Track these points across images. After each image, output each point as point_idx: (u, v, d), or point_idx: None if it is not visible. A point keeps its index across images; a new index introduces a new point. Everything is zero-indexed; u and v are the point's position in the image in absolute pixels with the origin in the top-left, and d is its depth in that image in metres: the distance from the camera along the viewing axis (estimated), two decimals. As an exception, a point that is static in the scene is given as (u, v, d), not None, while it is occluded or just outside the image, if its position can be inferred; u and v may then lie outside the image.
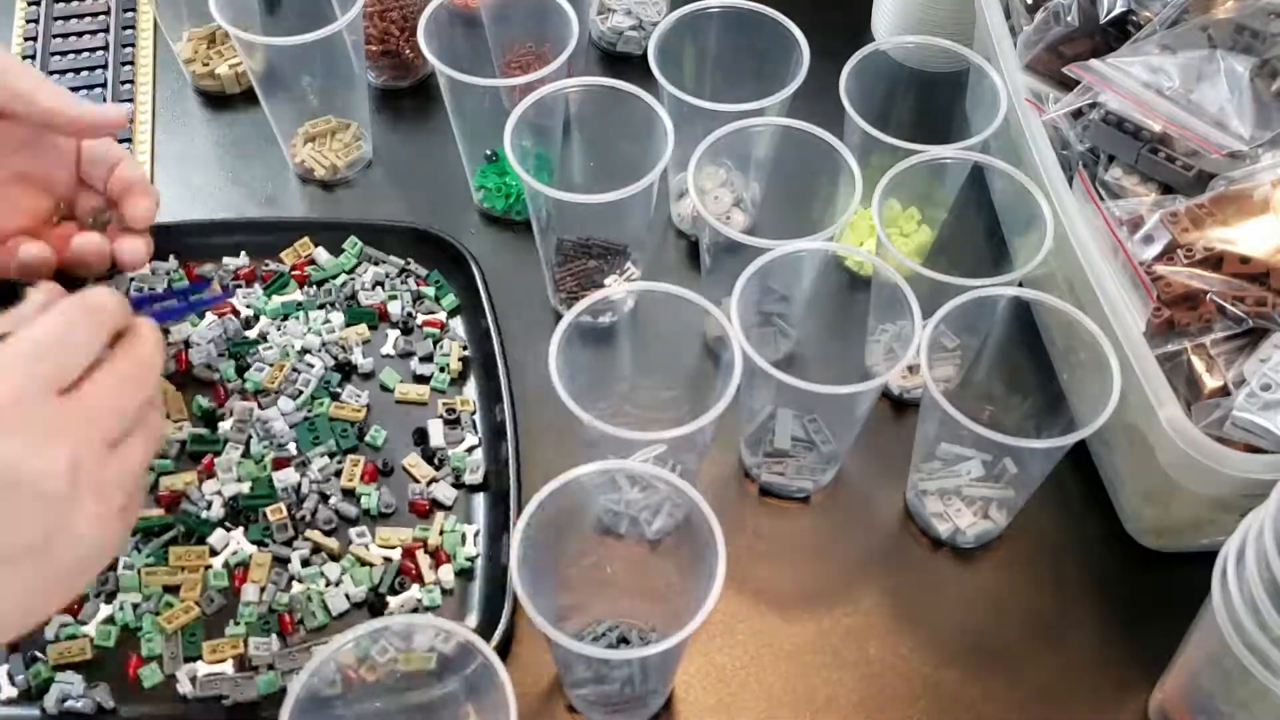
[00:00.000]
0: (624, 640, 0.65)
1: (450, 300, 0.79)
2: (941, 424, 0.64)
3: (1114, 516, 0.72)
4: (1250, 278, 0.64)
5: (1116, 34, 0.75)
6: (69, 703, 0.62)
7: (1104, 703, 0.66)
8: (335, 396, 0.74)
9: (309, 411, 0.74)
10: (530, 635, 0.66)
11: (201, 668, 0.64)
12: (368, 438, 0.73)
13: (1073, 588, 0.70)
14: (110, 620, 0.65)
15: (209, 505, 0.69)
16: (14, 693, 0.63)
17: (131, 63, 0.95)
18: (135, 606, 0.66)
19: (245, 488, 0.70)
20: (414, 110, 0.93)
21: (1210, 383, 0.63)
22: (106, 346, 0.52)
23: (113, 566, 0.67)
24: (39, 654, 0.64)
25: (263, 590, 0.66)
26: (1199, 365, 0.63)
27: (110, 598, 0.66)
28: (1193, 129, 0.69)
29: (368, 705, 0.59)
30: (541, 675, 0.65)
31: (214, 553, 0.68)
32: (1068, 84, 0.74)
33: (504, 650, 0.65)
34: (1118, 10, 0.74)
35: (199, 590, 0.67)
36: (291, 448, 0.72)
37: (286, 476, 0.70)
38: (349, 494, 0.71)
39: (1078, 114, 0.73)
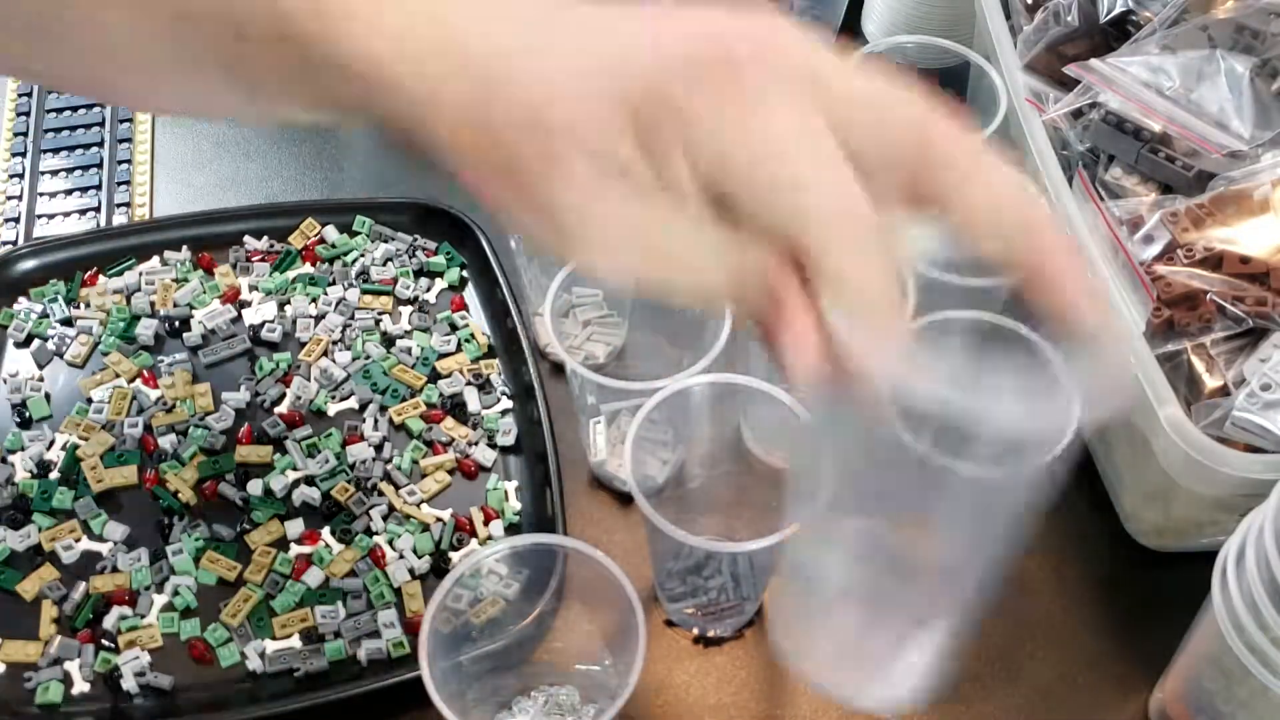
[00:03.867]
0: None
1: (456, 275, 0.81)
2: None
3: (1114, 516, 0.72)
4: (1250, 278, 0.64)
5: (1116, 34, 0.75)
6: (145, 678, 0.63)
7: (1104, 703, 0.66)
8: (389, 343, 0.78)
9: (366, 360, 0.77)
10: (580, 589, 0.66)
11: (270, 645, 0.65)
12: (422, 396, 0.75)
13: (1073, 588, 0.70)
14: (170, 607, 0.67)
15: (268, 492, 0.71)
16: (85, 687, 0.64)
17: (131, 63, 0.94)
18: (191, 590, 0.67)
19: (315, 469, 0.72)
20: None
21: (1210, 383, 0.63)
22: None
23: (163, 555, 0.68)
24: (105, 644, 0.65)
25: (327, 578, 0.68)
26: (1199, 365, 0.63)
27: (161, 586, 0.67)
28: (1193, 129, 0.69)
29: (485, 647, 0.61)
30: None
31: (281, 539, 0.69)
32: (1068, 84, 0.74)
33: (555, 603, 0.67)
34: (1118, 10, 0.74)
35: (263, 575, 0.68)
36: (353, 401, 0.75)
37: (359, 451, 0.72)
38: (411, 436, 0.73)
39: (1078, 114, 0.73)
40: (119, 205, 0.86)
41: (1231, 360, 0.63)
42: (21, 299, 0.79)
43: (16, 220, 0.85)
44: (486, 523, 0.70)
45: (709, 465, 0.70)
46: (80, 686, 0.64)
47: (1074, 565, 0.71)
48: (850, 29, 0.95)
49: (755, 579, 0.65)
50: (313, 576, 0.68)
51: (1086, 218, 0.69)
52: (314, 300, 0.79)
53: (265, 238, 0.82)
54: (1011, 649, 0.68)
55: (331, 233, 0.83)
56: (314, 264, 0.81)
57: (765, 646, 0.67)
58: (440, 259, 0.81)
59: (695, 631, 0.67)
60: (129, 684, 0.63)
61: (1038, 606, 0.69)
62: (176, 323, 0.78)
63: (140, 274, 0.80)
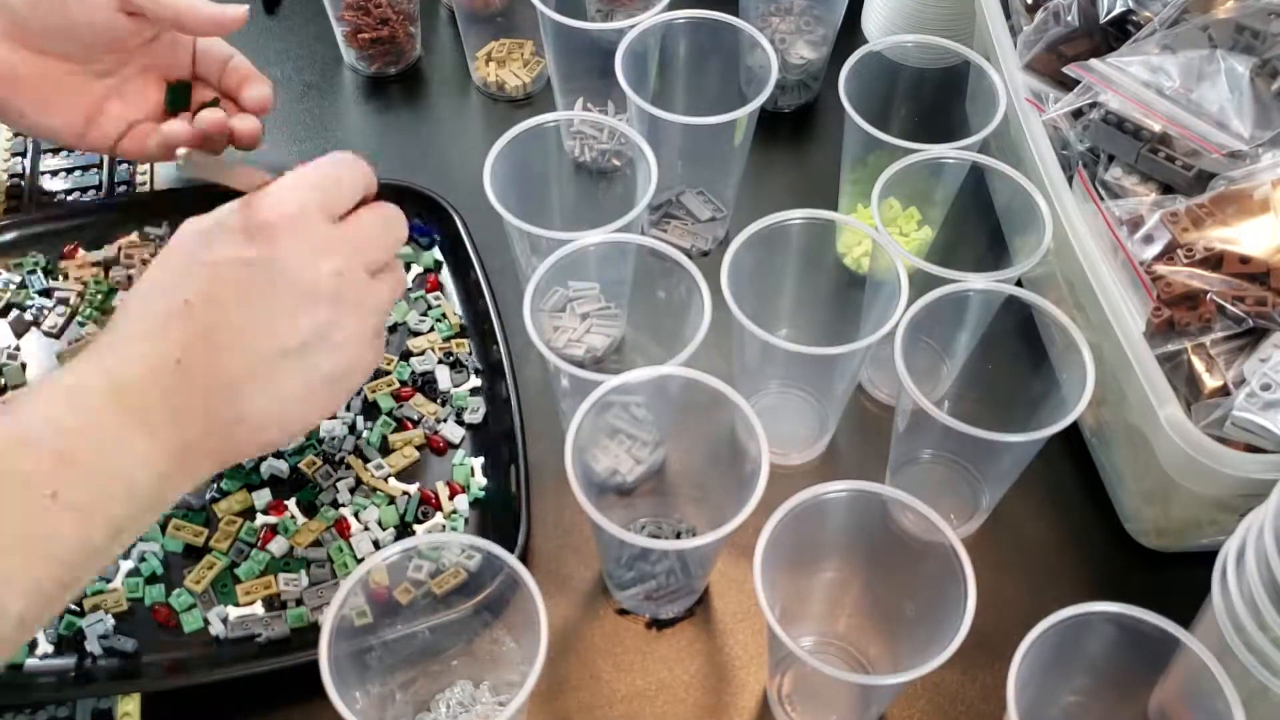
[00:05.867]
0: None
1: (430, 259, 0.81)
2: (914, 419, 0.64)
3: (1114, 516, 0.72)
4: (1250, 278, 0.64)
5: (1116, 34, 0.75)
6: (108, 641, 0.64)
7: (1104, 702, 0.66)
8: None
9: None
10: (543, 560, 0.70)
11: (232, 611, 0.66)
12: (394, 373, 0.76)
13: (1073, 588, 0.70)
14: (135, 572, 0.67)
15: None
16: (49, 648, 0.65)
17: (131, 62, 0.95)
18: (158, 556, 0.68)
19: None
20: (402, 97, 0.94)
21: (1210, 383, 0.63)
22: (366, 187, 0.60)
23: None
24: (70, 607, 0.66)
25: (292, 547, 0.69)
26: (1199, 365, 0.63)
27: (128, 552, 0.68)
28: (1193, 129, 0.69)
29: (400, 630, 0.62)
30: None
31: (248, 509, 0.70)
32: (1068, 84, 0.74)
33: (510, 587, 0.67)
34: (1118, 10, 0.74)
35: (229, 543, 0.68)
36: None
37: (330, 427, 0.73)
38: (381, 412, 0.74)
39: (1078, 114, 0.73)
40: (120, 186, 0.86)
41: (1231, 360, 0.63)
42: (1, 270, 0.80)
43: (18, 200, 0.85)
44: (451, 497, 0.71)
45: (690, 460, 0.71)
46: (44, 648, 0.65)
47: (1074, 565, 0.71)
48: (850, 29, 0.95)
49: (703, 560, 0.67)
50: (278, 545, 0.68)
51: (1086, 218, 0.69)
52: None
53: None
54: (1011, 648, 0.68)
55: None
56: None
57: (716, 623, 0.68)
58: (422, 239, 0.82)
59: (647, 617, 0.68)
60: (92, 646, 0.64)
61: (1037, 606, 0.69)
62: None
63: (119, 247, 0.81)
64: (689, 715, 0.65)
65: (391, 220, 0.61)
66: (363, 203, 0.60)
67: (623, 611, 0.69)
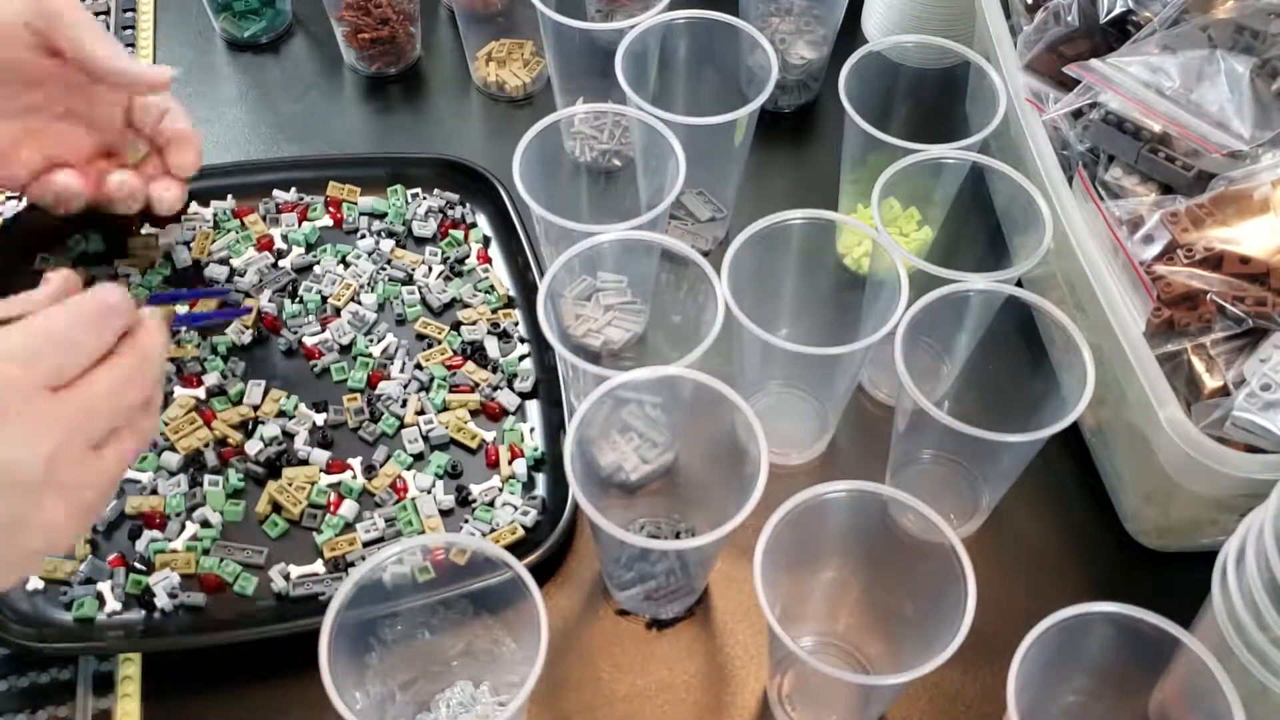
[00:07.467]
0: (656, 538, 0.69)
1: (480, 234, 0.83)
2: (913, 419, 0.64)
3: (1114, 516, 0.72)
4: (1250, 278, 0.64)
5: (1116, 34, 0.75)
6: (179, 599, 0.66)
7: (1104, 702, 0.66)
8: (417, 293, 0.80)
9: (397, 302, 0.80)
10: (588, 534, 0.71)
11: (294, 569, 0.68)
12: (445, 341, 0.78)
13: (1073, 588, 0.70)
14: (195, 538, 0.69)
15: (288, 438, 0.74)
16: (117, 605, 0.66)
17: (131, 62, 0.95)
18: (215, 524, 0.69)
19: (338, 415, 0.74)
20: (402, 97, 0.94)
21: (1210, 383, 0.63)
22: (110, 345, 0.53)
23: (198, 482, 0.70)
24: (137, 565, 0.68)
25: (359, 510, 0.71)
26: (1199, 365, 0.63)
27: (192, 512, 0.70)
28: (1193, 129, 0.69)
29: (400, 629, 0.62)
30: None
31: (313, 475, 0.72)
32: (1068, 84, 0.74)
33: (565, 543, 0.70)
34: (1118, 10, 0.74)
35: (300, 509, 0.70)
36: (390, 338, 0.78)
37: (386, 389, 0.75)
38: (436, 379, 0.76)
39: (1078, 114, 0.73)
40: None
41: (1231, 360, 0.63)
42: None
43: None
44: (511, 461, 0.73)
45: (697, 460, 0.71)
46: (112, 605, 0.66)
47: (1074, 565, 0.71)
48: (850, 29, 0.95)
49: (703, 560, 0.67)
50: (349, 509, 0.70)
51: (1086, 218, 0.69)
52: (342, 258, 0.81)
53: (293, 190, 0.84)
54: (1011, 648, 0.68)
55: (368, 200, 0.84)
56: (338, 224, 0.83)
57: (716, 623, 0.69)
58: (463, 211, 0.84)
59: (647, 617, 0.68)
60: (162, 601, 0.66)
61: (1038, 606, 0.69)
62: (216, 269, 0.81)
63: (181, 222, 0.83)
64: (689, 715, 0.65)
65: (134, 376, 0.54)
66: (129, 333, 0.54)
67: (623, 611, 0.69)
